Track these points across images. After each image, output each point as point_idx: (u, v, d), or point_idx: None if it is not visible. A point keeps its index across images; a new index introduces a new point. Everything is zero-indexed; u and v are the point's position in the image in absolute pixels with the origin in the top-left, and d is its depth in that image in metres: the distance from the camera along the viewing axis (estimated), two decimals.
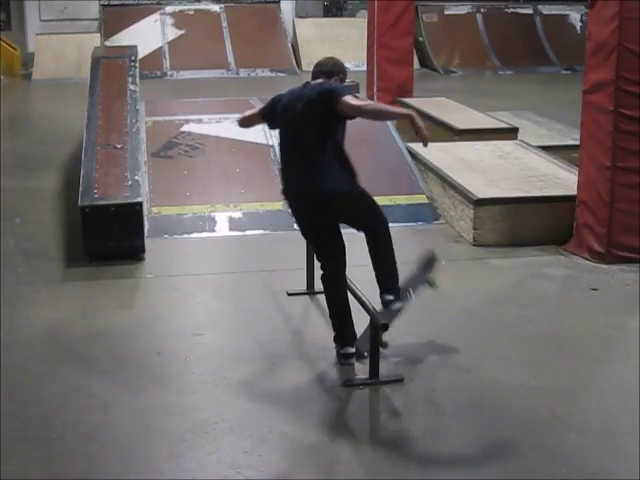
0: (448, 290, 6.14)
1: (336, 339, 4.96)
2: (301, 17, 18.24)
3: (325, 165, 4.73)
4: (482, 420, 4.36)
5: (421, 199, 7.90)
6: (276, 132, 8.47)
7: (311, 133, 4.74)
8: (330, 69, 4.96)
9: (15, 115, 12.67)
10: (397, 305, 4.86)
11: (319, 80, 4.92)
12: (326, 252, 4.96)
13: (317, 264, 5.66)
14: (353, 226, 4.94)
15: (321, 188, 4.73)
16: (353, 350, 4.92)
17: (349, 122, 4.83)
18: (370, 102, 4.71)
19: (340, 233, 4.92)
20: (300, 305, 5.80)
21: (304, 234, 5.09)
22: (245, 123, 5.36)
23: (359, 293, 5.03)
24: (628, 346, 5.29)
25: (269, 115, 5.10)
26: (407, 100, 11.34)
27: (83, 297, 6.05)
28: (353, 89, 13.19)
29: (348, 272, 5.03)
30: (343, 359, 4.91)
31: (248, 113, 5.30)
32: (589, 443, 4.17)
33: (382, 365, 4.74)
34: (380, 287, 4.89)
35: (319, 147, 4.72)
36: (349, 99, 4.62)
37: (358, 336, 5.00)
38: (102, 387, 4.67)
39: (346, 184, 4.79)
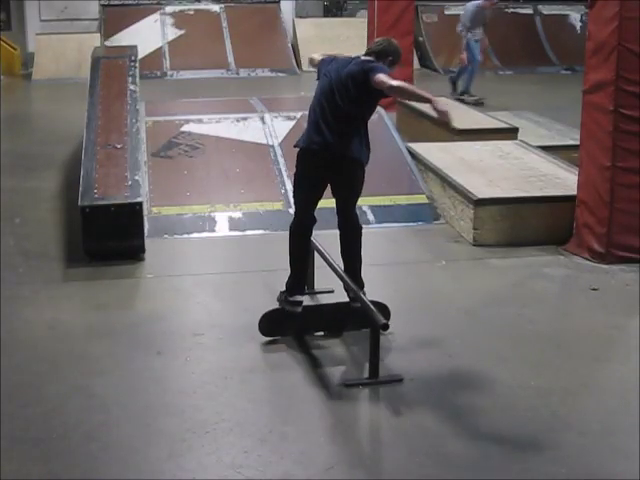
0: (448, 290, 6.15)
1: (290, 287, 5.21)
2: (301, 17, 18.22)
3: (353, 132, 5.06)
4: (482, 420, 4.36)
5: (421, 199, 7.89)
6: (275, 132, 8.60)
7: (347, 101, 5.01)
8: (381, 49, 5.19)
9: (15, 115, 12.66)
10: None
11: (368, 57, 5.15)
12: (310, 208, 5.19)
13: (317, 264, 5.69)
14: (343, 197, 5.20)
15: (347, 150, 5.04)
16: (302, 299, 5.20)
17: None
18: (398, 82, 5.00)
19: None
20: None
21: (300, 187, 5.21)
22: (314, 64, 5.51)
23: (358, 292, 5.05)
24: (628, 346, 5.29)
25: (320, 68, 5.31)
26: (407, 100, 11.32)
27: (83, 297, 6.06)
28: None
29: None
30: (291, 306, 5.16)
31: (316, 56, 5.51)
32: (589, 443, 4.17)
33: (382, 365, 4.75)
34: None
35: (352, 114, 5.05)
36: (381, 75, 4.89)
37: None
38: (102, 387, 4.67)
39: (364, 155, 5.12)
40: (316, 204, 5.20)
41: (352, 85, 4.99)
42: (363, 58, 5.14)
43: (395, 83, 4.87)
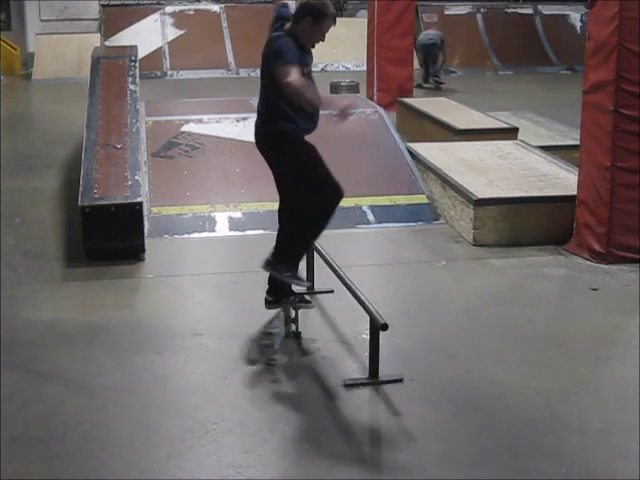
0: (448, 290, 6.15)
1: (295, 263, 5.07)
2: None
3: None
4: (482, 420, 4.36)
5: (421, 199, 7.89)
6: None
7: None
8: (297, 13, 4.79)
9: (15, 115, 12.67)
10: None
11: (279, 32, 4.81)
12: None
13: (317, 264, 5.69)
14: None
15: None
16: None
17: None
18: (295, 80, 4.54)
19: None
20: None
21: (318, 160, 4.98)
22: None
23: (358, 292, 5.04)
24: (628, 346, 5.29)
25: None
26: (407, 100, 11.34)
27: (83, 297, 6.06)
28: (352, 89, 13.20)
29: (348, 271, 5.14)
30: (301, 281, 5.13)
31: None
32: (589, 443, 4.16)
33: (382, 365, 4.75)
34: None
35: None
36: (282, 68, 4.57)
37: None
38: (102, 387, 4.67)
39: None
40: None
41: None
42: (274, 34, 4.79)
43: (291, 80, 4.51)
